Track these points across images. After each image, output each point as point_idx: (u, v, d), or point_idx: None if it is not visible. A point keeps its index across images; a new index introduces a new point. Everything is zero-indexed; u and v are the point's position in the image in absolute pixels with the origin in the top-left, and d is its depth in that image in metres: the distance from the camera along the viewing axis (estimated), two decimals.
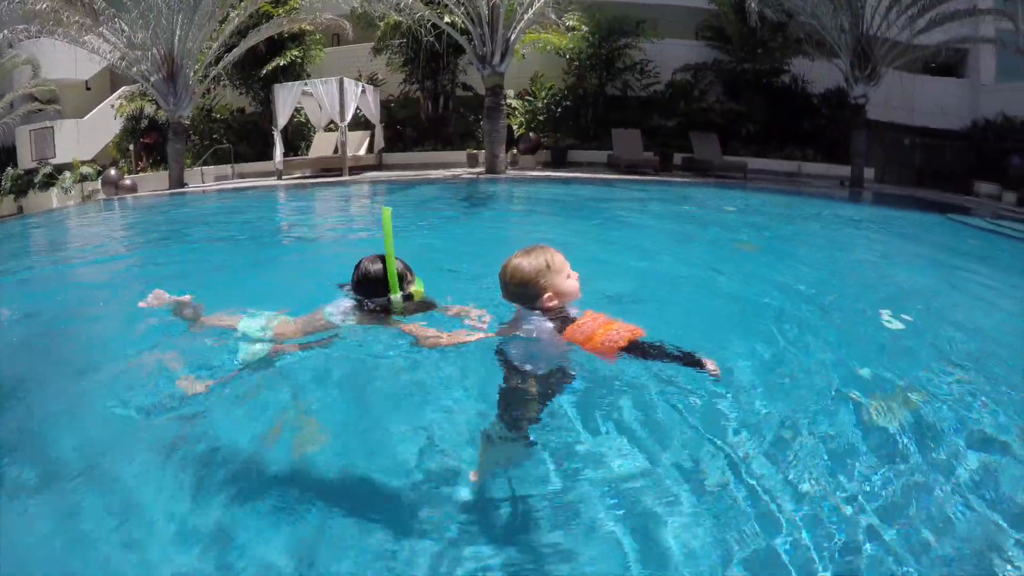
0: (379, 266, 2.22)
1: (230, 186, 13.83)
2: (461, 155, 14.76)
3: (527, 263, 2.01)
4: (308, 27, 16.01)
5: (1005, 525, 1.55)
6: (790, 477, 1.71)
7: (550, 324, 1.97)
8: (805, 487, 1.67)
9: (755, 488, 1.65)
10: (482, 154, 13.43)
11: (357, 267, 2.26)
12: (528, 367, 1.98)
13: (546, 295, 2.00)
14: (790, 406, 2.14)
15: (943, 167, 17.13)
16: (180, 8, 13.75)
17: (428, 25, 14.18)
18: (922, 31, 14.56)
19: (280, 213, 9.63)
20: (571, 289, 2.04)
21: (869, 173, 15.31)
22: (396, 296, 2.21)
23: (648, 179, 12.82)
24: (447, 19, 13.71)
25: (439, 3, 13.70)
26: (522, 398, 1.96)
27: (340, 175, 13.74)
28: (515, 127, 15.67)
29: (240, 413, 2.09)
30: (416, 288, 2.27)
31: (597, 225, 7.18)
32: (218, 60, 15.11)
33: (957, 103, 18.34)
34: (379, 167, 14.83)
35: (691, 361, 1.84)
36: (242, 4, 14.74)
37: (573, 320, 1.97)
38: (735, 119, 15.50)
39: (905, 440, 1.95)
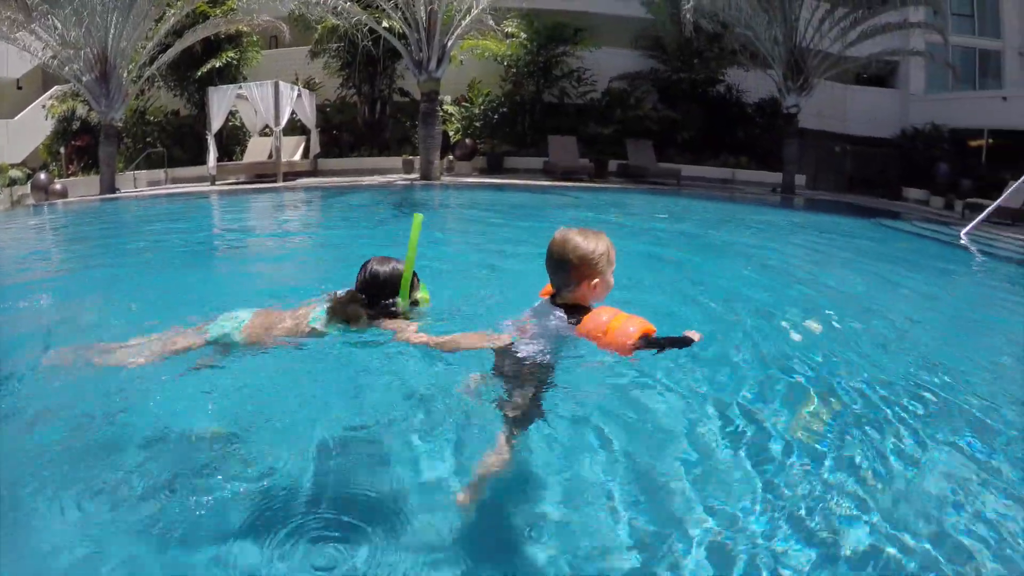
0: (387, 268, 2.16)
1: (163, 191, 13.48)
2: (397, 161, 14.65)
3: (593, 243, 1.96)
4: (245, 28, 15.70)
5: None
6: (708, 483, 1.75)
7: (568, 320, 1.96)
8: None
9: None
10: (418, 160, 13.37)
11: (364, 267, 2.19)
12: (540, 359, 1.97)
13: (594, 281, 1.97)
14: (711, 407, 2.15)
15: (874, 174, 17.69)
16: (115, 6, 13.33)
17: (365, 29, 14.05)
18: (853, 44, 15.04)
19: (212, 220, 9.41)
20: (610, 286, 2.02)
21: (801, 180, 15.75)
22: (404, 301, 2.15)
23: (582, 185, 12.94)
24: (385, 24, 13.61)
25: (377, 7, 13.60)
26: (533, 383, 1.95)
27: (274, 181, 13.50)
28: (452, 133, 15.65)
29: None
30: (422, 295, 2.22)
31: (524, 231, 7.19)
32: (152, 60, 14.70)
33: (888, 113, 19.02)
34: (314, 173, 14.62)
35: (686, 342, 1.91)
36: (179, 3, 14.39)
37: (584, 312, 1.96)
38: (670, 127, 15.79)
39: (825, 440, 1.98)
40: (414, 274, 2.19)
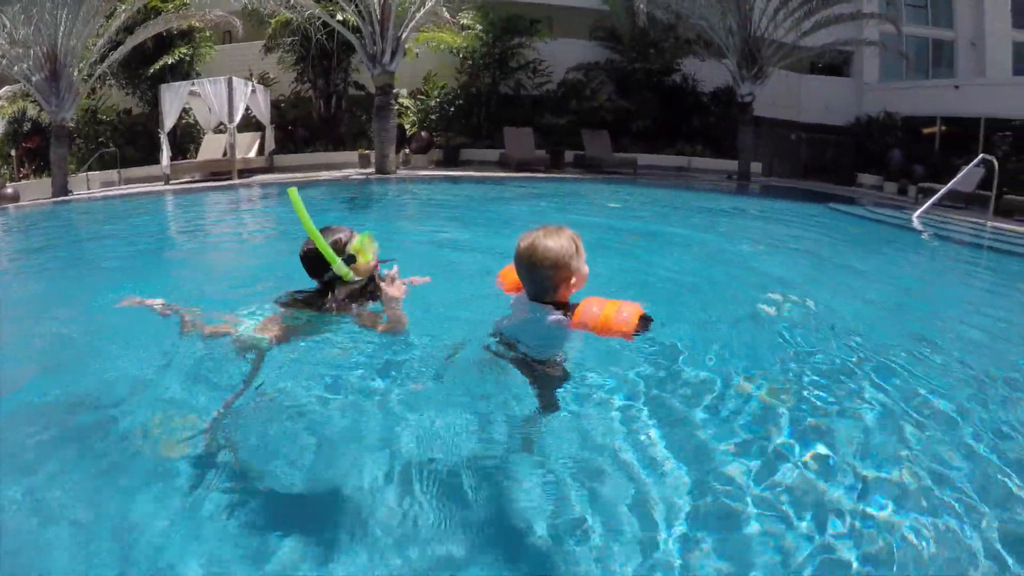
0: (304, 248, 2.16)
1: (116, 193, 13.23)
2: (353, 155, 14.55)
3: (557, 241, 1.90)
4: (198, 24, 15.46)
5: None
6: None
7: (558, 315, 1.94)
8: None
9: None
10: (374, 154, 13.30)
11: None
12: (547, 354, 1.98)
13: (572, 280, 1.94)
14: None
15: (828, 161, 18.03)
16: (65, 2, 13.02)
17: (319, 23, 13.94)
18: (807, 33, 15.29)
19: (164, 221, 9.24)
20: (586, 276, 1.99)
21: (756, 167, 15.99)
22: (338, 263, 2.12)
23: (538, 176, 12.98)
24: (339, 17, 13.50)
25: (331, 0, 13.49)
26: (554, 378, 1.96)
27: (229, 179, 13.34)
28: (407, 126, 15.59)
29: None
30: (355, 245, 2.17)
31: (474, 223, 7.19)
32: (104, 58, 14.40)
33: (842, 101, 19.39)
34: (270, 169, 14.45)
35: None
36: None
37: (574, 306, 1.94)
38: (626, 117, 15.93)
39: (775, 423, 1.95)
40: (348, 233, 2.22)
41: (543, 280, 1.94)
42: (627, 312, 1.89)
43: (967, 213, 12.31)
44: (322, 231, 2.15)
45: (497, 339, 2.04)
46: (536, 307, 1.99)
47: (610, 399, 1.96)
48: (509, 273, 2.15)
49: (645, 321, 1.90)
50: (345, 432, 1.83)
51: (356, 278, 2.19)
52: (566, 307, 1.96)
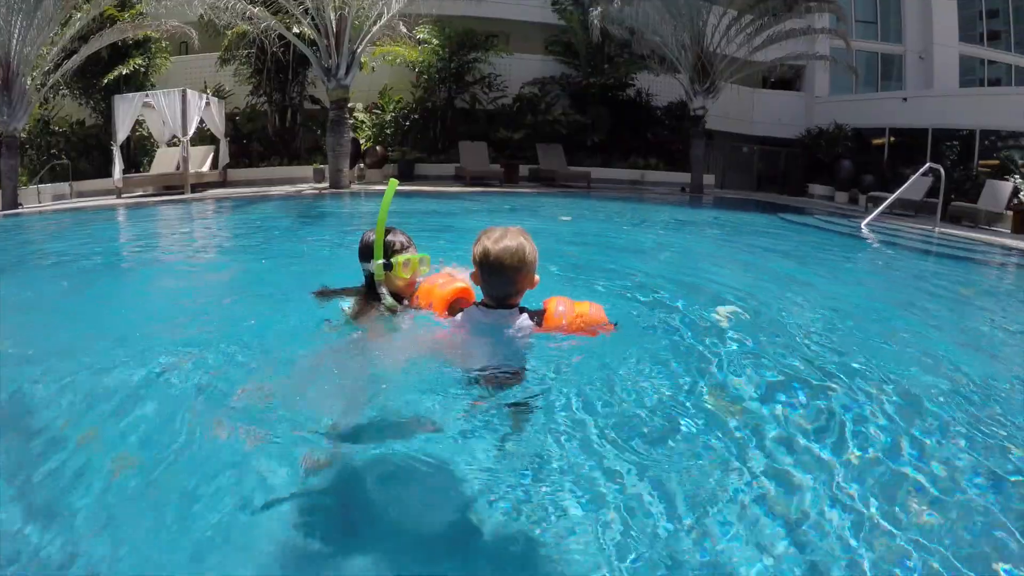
0: (366, 236, 2.25)
1: (68, 206, 13.03)
2: (308, 170, 14.55)
3: (528, 245, 1.94)
4: (153, 34, 15.32)
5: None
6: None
7: (529, 320, 1.98)
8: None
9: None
10: (328, 169, 13.34)
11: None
12: (523, 362, 1.99)
13: (535, 278, 1.99)
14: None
15: (780, 172, 18.52)
16: (20, 8, 12.78)
17: (275, 35, 13.93)
18: (759, 48, 15.71)
19: (114, 237, 9.11)
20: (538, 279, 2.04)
21: (710, 179, 16.37)
22: (379, 262, 2.18)
23: (492, 190, 13.14)
24: (296, 29, 13.51)
25: (287, 12, 13.50)
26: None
27: (182, 193, 13.26)
28: (363, 141, 15.61)
29: None
30: (400, 258, 2.22)
31: (426, 236, 7.22)
32: (58, 67, 14.19)
33: (793, 114, 19.95)
34: (224, 183, 14.39)
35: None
36: (86, 6, 13.90)
37: (541, 312, 1.99)
38: (581, 131, 16.17)
39: (727, 431, 1.96)
40: (407, 241, 2.29)
41: (518, 281, 1.95)
42: (593, 308, 2.01)
43: (916, 220, 12.78)
44: (390, 230, 2.24)
45: (482, 382, 1.95)
46: (505, 314, 1.99)
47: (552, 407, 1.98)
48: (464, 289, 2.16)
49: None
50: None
51: (383, 287, 2.23)
52: (525, 311, 2.00)
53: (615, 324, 2.09)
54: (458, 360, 2.03)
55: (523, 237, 1.95)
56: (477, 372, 1.95)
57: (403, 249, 2.27)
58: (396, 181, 2.20)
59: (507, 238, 1.93)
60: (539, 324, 1.97)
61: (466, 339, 2.04)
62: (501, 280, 1.95)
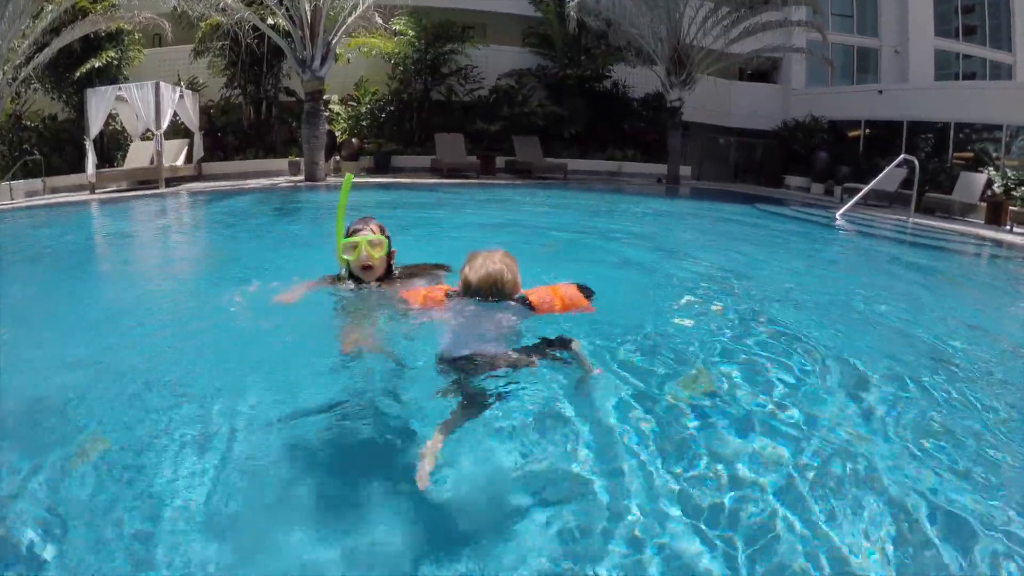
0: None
1: (40, 202, 12.86)
2: (283, 163, 14.46)
3: (508, 271, 2.26)
4: (126, 26, 15.13)
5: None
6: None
7: (523, 307, 2.26)
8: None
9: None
10: (304, 161, 13.28)
11: None
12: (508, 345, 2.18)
13: (518, 286, 2.29)
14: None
15: (757, 164, 18.68)
16: None
17: (249, 27, 13.81)
18: (735, 40, 15.82)
19: (88, 232, 9.03)
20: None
21: (686, 171, 16.49)
22: (339, 242, 2.47)
23: (470, 182, 13.16)
24: (270, 21, 13.42)
25: (262, 3, 13.39)
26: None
27: (157, 187, 13.14)
28: (338, 133, 15.55)
29: None
30: (346, 239, 2.46)
31: (403, 228, 7.25)
32: (29, 60, 13.98)
33: (770, 106, 20.11)
34: (199, 177, 14.25)
35: None
36: None
37: (530, 299, 2.26)
38: (557, 122, 16.21)
39: (709, 414, 2.07)
40: (378, 230, 2.52)
41: (508, 294, 2.26)
42: (571, 290, 2.31)
43: (891, 211, 13.00)
44: (363, 218, 2.52)
45: (476, 370, 2.08)
46: (502, 305, 2.26)
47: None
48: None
49: (584, 290, 2.35)
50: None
51: (342, 268, 2.54)
52: (523, 302, 2.28)
53: (587, 292, 2.38)
54: (447, 342, 2.21)
55: (503, 263, 2.26)
56: (467, 356, 2.11)
57: (356, 232, 2.48)
58: (351, 176, 2.47)
59: (487, 265, 2.24)
60: (532, 309, 2.25)
61: (457, 321, 2.29)
62: (487, 300, 2.26)
